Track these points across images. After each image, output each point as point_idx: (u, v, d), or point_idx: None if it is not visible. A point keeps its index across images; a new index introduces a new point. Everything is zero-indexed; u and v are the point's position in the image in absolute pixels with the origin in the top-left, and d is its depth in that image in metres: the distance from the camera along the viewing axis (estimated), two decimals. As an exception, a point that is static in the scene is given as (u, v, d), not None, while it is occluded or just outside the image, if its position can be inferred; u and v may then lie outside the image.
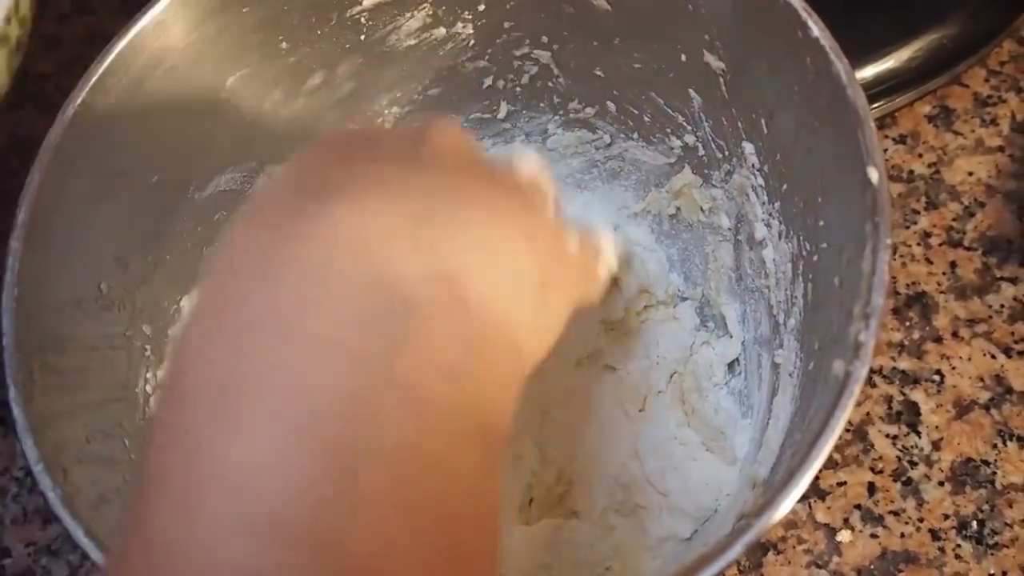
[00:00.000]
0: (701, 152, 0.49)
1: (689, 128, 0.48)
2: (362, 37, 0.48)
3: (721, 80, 0.44)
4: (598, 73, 0.50)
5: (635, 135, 0.52)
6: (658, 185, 0.53)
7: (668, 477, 0.47)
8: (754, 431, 0.46)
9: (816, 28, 0.37)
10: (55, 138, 0.40)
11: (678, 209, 0.52)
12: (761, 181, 0.45)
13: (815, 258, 0.41)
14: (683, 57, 0.45)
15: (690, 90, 0.46)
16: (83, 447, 0.38)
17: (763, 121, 0.43)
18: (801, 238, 0.42)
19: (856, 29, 0.52)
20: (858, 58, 0.52)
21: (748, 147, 0.45)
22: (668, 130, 0.50)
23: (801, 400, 0.39)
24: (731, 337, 0.51)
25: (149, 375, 0.45)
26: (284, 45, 0.47)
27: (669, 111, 0.49)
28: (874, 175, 0.34)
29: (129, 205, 0.44)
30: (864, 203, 0.34)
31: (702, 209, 0.51)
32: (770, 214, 0.45)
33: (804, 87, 0.38)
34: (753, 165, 0.45)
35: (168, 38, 0.42)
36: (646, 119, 0.50)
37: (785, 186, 0.43)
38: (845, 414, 0.32)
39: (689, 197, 0.51)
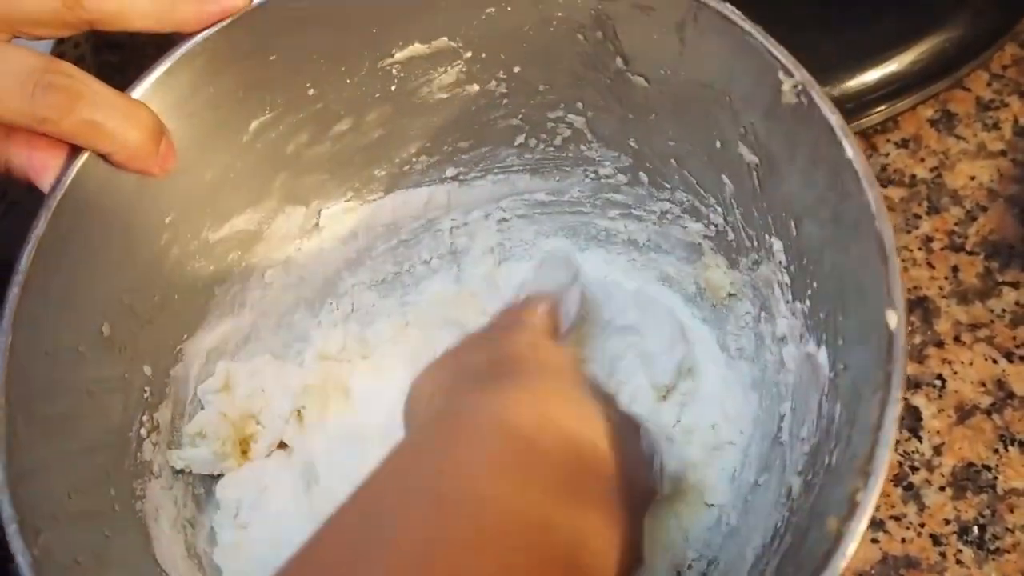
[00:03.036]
0: (730, 236, 0.47)
1: (720, 211, 0.47)
2: (393, 88, 0.47)
3: (754, 173, 0.42)
4: (632, 144, 0.48)
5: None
6: (686, 261, 0.51)
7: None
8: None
9: (851, 150, 0.35)
10: (65, 182, 0.39)
11: (702, 289, 0.51)
12: (787, 279, 0.43)
13: (832, 375, 0.39)
14: (718, 144, 0.43)
15: (723, 176, 0.45)
16: (63, 502, 0.37)
17: (792, 223, 0.41)
18: (822, 348, 0.41)
19: (859, 33, 0.52)
20: (861, 62, 0.52)
21: (776, 244, 0.43)
22: (699, 209, 0.48)
23: (793, 532, 0.37)
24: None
25: (145, 418, 0.44)
26: (312, 91, 0.46)
27: (701, 191, 0.47)
28: (892, 320, 0.32)
29: (139, 245, 0.43)
30: (880, 346, 0.32)
31: (728, 294, 0.49)
32: (793, 313, 0.43)
33: (833, 205, 0.36)
34: (780, 262, 0.43)
35: (189, 83, 0.41)
36: (678, 195, 0.49)
37: (810, 291, 0.41)
38: (836, 573, 0.30)
39: (714, 278, 0.49)
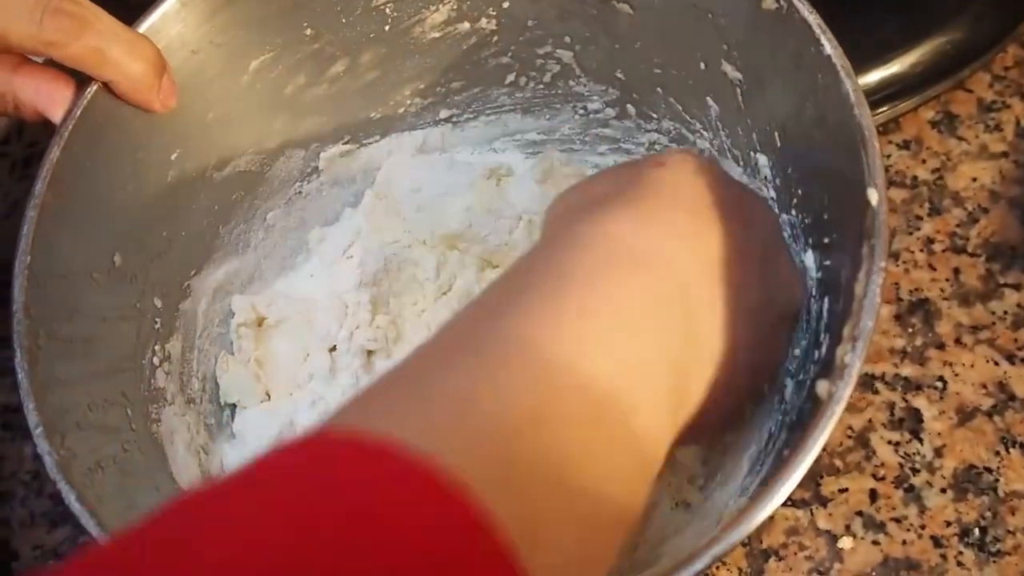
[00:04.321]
0: (717, 160, 0.49)
1: (706, 136, 0.48)
2: (387, 27, 0.49)
3: (738, 90, 0.44)
4: (619, 75, 0.50)
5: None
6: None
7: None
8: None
9: (829, 46, 0.36)
10: (76, 113, 0.41)
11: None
12: (773, 193, 0.45)
13: (820, 275, 0.41)
14: (702, 65, 0.45)
15: (708, 98, 0.46)
16: (84, 414, 0.39)
17: (776, 134, 0.43)
18: (808, 252, 0.42)
19: (861, 34, 0.51)
20: (863, 63, 0.52)
21: (762, 159, 0.45)
22: (686, 136, 0.50)
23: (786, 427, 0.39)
24: None
25: (157, 347, 0.46)
26: (308, 32, 0.47)
27: (687, 117, 0.49)
28: (873, 197, 0.34)
29: (147, 180, 0.45)
30: (862, 224, 0.34)
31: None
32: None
33: (814, 103, 0.38)
34: (766, 177, 0.45)
35: (191, 21, 0.43)
36: (665, 124, 0.50)
37: (795, 200, 0.43)
38: (825, 434, 0.32)
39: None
